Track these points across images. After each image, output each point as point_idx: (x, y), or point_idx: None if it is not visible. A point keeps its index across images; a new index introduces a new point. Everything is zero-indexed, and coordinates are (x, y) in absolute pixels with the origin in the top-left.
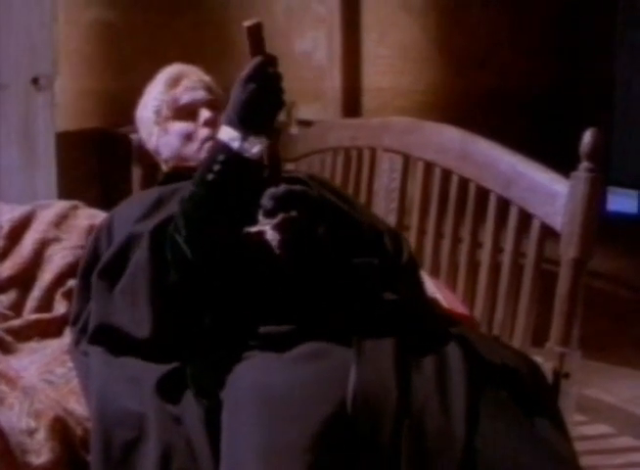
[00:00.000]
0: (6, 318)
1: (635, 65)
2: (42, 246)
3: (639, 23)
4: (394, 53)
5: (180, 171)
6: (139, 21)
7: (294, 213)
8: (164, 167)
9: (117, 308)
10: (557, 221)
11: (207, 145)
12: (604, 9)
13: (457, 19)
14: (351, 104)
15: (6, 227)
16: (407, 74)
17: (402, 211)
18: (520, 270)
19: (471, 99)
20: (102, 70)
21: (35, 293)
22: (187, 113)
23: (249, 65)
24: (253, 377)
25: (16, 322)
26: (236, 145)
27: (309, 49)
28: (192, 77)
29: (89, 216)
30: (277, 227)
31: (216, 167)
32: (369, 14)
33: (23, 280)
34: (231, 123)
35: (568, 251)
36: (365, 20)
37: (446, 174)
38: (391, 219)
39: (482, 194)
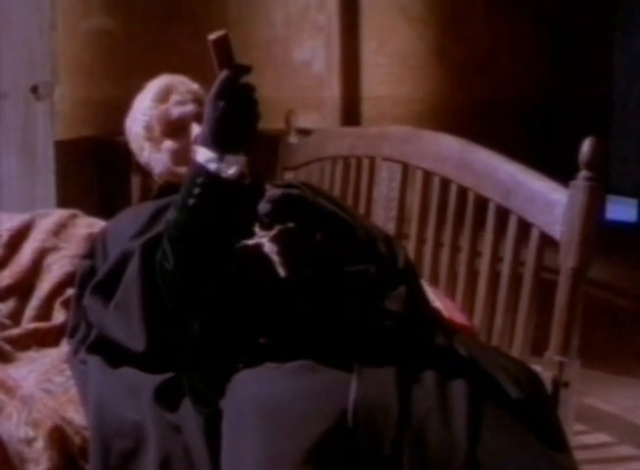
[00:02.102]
0: (5, 327)
1: (634, 74)
2: (41, 255)
3: (638, 33)
4: (393, 62)
5: (174, 185)
6: (138, 30)
7: (290, 225)
8: (158, 180)
9: (113, 323)
10: (556, 230)
11: None
12: (603, 18)
13: (456, 28)
14: (350, 113)
15: (5, 236)
16: (406, 83)
17: (401, 219)
18: (519, 279)
19: (470, 108)
20: (101, 79)
21: (34, 302)
22: (177, 128)
23: (217, 80)
24: (254, 387)
25: (14, 331)
26: (213, 167)
27: (308, 58)
28: (180, 90)
29: (88, 225)
30: (274, 239)
31: (196, 191)
32: (368, 23)
33: (22, 289)
34: (206, 144)
35: (567, 260)
36: (364, 29)
37: (445, 183)
38: (390, 228)
39: (481, 203)
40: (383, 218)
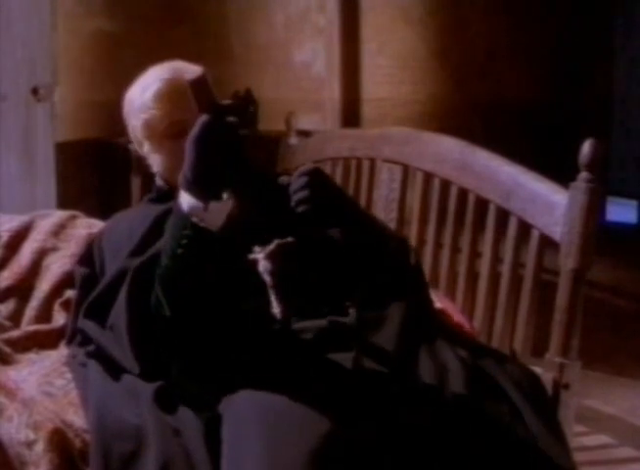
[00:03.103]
0: (4, 329)
1: (633, 75)
2: (40, 255)
3: (637, 35)
4: (394, 63)
5: (173, 187)
6: (138, 31)
7: (290, 239)
8: (157, 179)
9: (110, 343)
10: (556, 232)
11: None
12: (602, 20)
13: (456, 29)
14: (350, 114)
15: (5, 237)
16: (406, 85)
17: (401, 221)
18: (519, 281)
19: (470, 109)
20: (101, 81)
21: (34, 303)
22: (179, 129)
23: (197, 123)
24: (254, 392)
25: (14, 333)
26: (197, 218)
27: (308, 60)
28: (179, 86)
29: (88, 226)
30: (270, 256)
31: (184, 242)
32: (368, 24)
33: (22, 290)
34: (188, 189)
35: (567, 261)
36: (364, 30)
37: (445, 185)
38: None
39: (482, 204)
40: (383, 220)
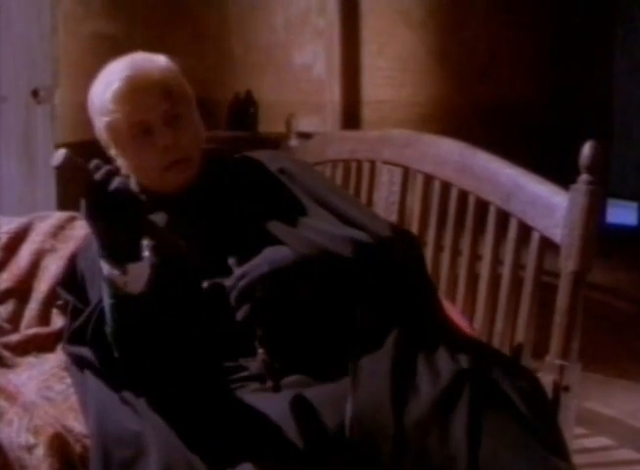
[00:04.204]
0: (3, 331)
1: (634, 77)
2: (38, 256)
3: (638, 37)
4: (394, 65)
5: (148, 193)
6: (139, 33)
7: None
8: (132, 184)
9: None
10: (556, 234)
11: (171, 174)
12: (603, 21)
13: (456, 31)
14: (351, 116)
15: (3, 239)
16: (407, 87)
17: (402, 223)
18: (519, 283)
19: (470, 111)
20: None
21: (32, 304)
22: (142, 130)
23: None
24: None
25: (14, 337)
26: (119, 282)
27: (309, 62)
28: (141, 84)
29: (86, 226)
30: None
31: (112, 301)
32: (368, 27)
33: (21, 292)
34: (103, 257)
35: (567, 263)
36: (364, 33)
37: (446, 187)
38: None
39: (482, 206)
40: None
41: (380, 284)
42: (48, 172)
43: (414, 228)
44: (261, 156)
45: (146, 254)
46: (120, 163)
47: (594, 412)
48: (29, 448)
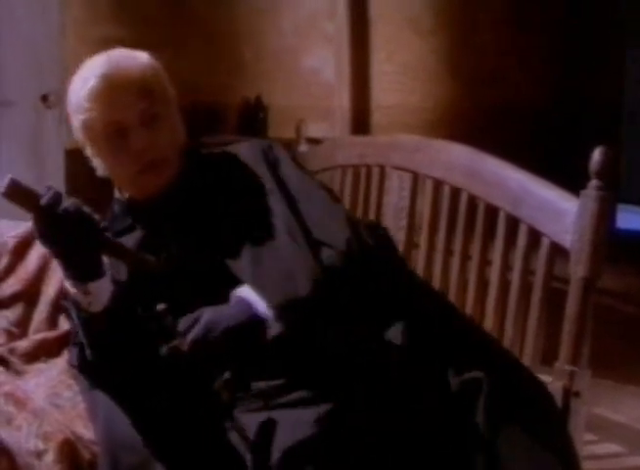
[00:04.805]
0: (12, 336)
1: None
2: (46, 260)
3: None
4: (403, 71)
5: (133, 204)
6: (147, 37)
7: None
8: (115, 191)
9: None
10: (566, 239)
11: (145, 177)
12: (612, 25)
13: (465, 37)
14: (360, 121)
15: (11, 243)
16: (415, 92)
17: (411, 228)
18: (529, 288)
19: (479, 116)
20: None
21: (41, 307)
22: (116, 129)
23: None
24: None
25: (22, 344)
26: (82, 303)
27: (318, 67)
28: (118, 82)
29: None
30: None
31: (78, 321)
32: (377, 32)
33: (29, 295)
34: (66, 279)
35: (577, 269)
36: (373, 38)
37: (455, 192)
38: (401, 237)
39: (491, 212)
40: (393, 227)
41: (356, 302)
42: (57, 177)
43: (423, 233)
44: (239, 149)
45: (107, 270)
46: (96, 163)
47: (604, 418)
48: (39, 454)
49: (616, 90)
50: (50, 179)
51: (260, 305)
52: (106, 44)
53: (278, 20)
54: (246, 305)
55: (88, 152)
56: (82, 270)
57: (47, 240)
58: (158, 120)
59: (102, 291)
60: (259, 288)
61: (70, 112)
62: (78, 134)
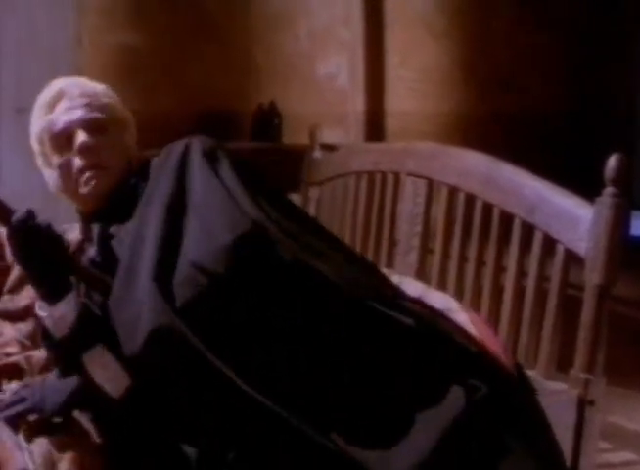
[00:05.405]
0: (25, 348)
1: None
2: None
3: None
4: (418, 76)
5: (86, 216)
6: (163, 44)
7: None
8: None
9: None
10: (581, 247)
11: (87, 177)
12: (628, 32)
13: (481, 42)
14: (374, 127)
15: None
16: (430, 98)
17: (426, 235)
18: (544, 295)
19: (494, 121)
20: (126, 94)
21: None
22: (64, 139)
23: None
24: None
25: (38, 354)
26: (49, 326)
27: (333, 73)
28: (72, 94)
29: None
30: None
31: (46, 343)
32: (392, 37)
33: None
34: (38, 298)
35: (592, 276)
36: (388, 43)
37: (470, 199)
38: (415, 243)
39: (506, 219)
40: (407, 234)
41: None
42: None
43: (438, 240)
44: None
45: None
46: (47, 176)
47: (618, 426)
48: (53, 463)
49: (633, 97)
50: None
51: None
52: (122, 51)
53: (293, 26)
54: None
55: (39, 162)
56: (52, 289)
57: (18, 256)
58: (105, 134)
59: (65, 313)
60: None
61: (31, 134)
62: (34, 144)
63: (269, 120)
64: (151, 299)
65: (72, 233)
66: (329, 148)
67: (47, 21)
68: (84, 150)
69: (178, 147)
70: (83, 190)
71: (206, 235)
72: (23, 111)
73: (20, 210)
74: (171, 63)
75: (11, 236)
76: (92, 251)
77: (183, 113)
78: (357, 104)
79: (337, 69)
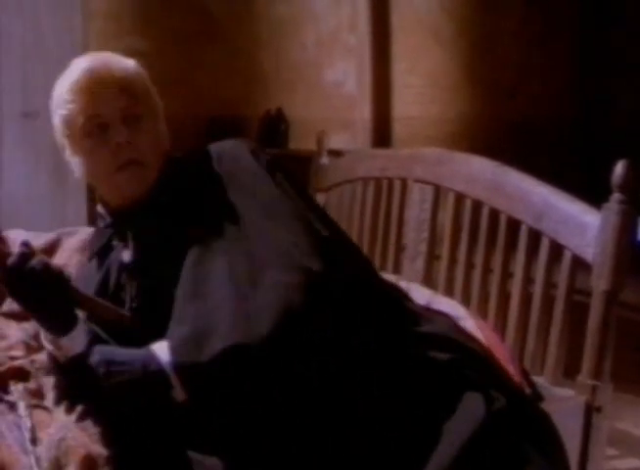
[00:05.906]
0: (31, 349)
1: None
2: None
3: None
4: (424, 82)
5: (111, 206)
6: (170, 50)
7: None
8: (98, 206)
9: None
10: (588, 253)
11: (125, 176)
12: (635, 38)
13: (487, 48)
14: (381, 133)
15: None
16: (437, 104)
17: (433, 241)
18: (551, 301)
19: (501, 128)
20: None
21: None
22: (98, 126)
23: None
24: None
25: (41, 357)
26: (60, 359)
27: (339, 79)
28: (106, 75)
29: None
30: None
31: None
32: (399, 44)
33: None
34: (42, 329)
35: (599, 283)
36: (395, 49)
37: (477, 205)
38: (422, 249)
39: (513, 225)
40: (414, 240)
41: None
42: (79, 188)
43: (445, 246)
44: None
45: (81, 324)
46: (75, 164)
47: (625, 433)
48: (60, 468)
49: (638, 103)
50: (71, 190)
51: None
52: (128, 57)
53: (300, 32)
54: (149, 355)
55: (67, 152)
56: (56, 325)
57: (17, 298)
58: (139, 122)
59: (72, 346)
60: (170, 341)
61: (53, 111)
62: (58, 133)
63: (276, 126)
64: (231, 315)
65: (76, 237)
66: (336, 154)
67: (53, 26)
68: (119, 146)
69: (244, 151)
70: (120, 191)
71: (287, 258)
72: (29, 115)
73: (14, 252)
74: (178, 69)
75: (5, 281)
76: (126, 255)
77: (190, 118)
78: (364, 110)
79: (343, 75)
